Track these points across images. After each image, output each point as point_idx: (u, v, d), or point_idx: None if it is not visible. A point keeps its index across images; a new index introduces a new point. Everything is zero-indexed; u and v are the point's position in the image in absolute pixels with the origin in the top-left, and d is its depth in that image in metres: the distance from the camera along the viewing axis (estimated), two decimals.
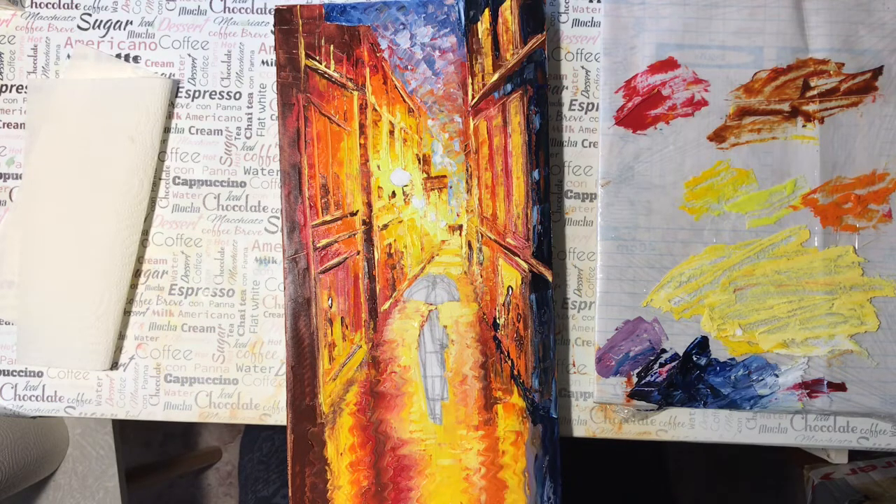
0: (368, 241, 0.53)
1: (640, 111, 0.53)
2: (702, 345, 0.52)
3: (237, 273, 0.55)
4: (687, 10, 0.53)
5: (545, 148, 0.52)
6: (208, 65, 0.55)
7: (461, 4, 0.53)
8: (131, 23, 0.56)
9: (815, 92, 0.52)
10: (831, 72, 0.52)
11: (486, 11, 0.52)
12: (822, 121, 0.52)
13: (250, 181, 0.55)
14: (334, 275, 0.52)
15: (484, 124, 0.53)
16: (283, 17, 0.53)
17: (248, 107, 0.55)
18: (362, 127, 0.53)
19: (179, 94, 0.55)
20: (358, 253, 0.53)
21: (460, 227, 0.53)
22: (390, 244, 0.53)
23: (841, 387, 0.51)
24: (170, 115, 0.55)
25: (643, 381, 0.52)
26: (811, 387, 0.51)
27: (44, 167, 0.54)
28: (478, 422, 0.51)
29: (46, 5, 0.56)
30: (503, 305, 0.52)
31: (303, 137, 0.52)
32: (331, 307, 0.52)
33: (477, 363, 0.52)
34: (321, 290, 0.52)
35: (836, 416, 0.53)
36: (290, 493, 0.51)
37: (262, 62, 0.55)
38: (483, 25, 0.53)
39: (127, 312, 0.55)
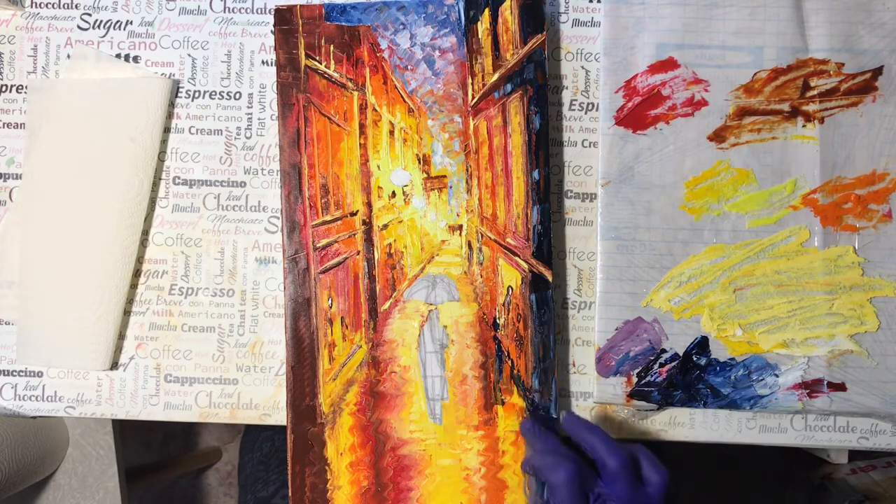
0: (368, 241, 0.53)
1: (640, 111, 0.53)
2: (702, 345, 0.52)
3: (237, 273, 0.55)
4: (687, 10, 0.53)
5: (545, 148, 0.52)
6: (208, 65, 0.55)
7: (461, 4, 0.53)
8: (131, 23, 0.56)
9: (815, 92, 0.52)
10: (831, 72, 0.52)
11: (486, 11, 0.52)
12: (822, 121, 0.52)
13: (250, 181, 0.55)
14: (334, 275, 0.52)
15: (484, 124, 0.53)
16: (283, 17, 0.53)
17: (248, 107, 0.55)
18: (362, 127, 0.53)
19: (179, 94, 0.55)
20: (358, 253, 0.53)
21: (460, 227, 0.53)
22: (390, 244, 0.53)
23: (841, 387, 0.51)
24: (170, 115, 0.55)
25: (643, 381, 0.52)
26: (811, 387, 0.51)
27: (44, 167, 0.54)
28: (478, 422, 0.51)
29: (46, 5, 0.56)
30: (503, 305, 0.52)
31: (303, 137, 0.52)
32: (331, 307, 0.52)
33: (477, 363, 0.52)
34: (321, 290, 0.52)
35: (836, 416, 0.53)
36: (290, 493, 0.51)
37: (262, 62, 0.55)
38: (483, 25, 0.53)
39: (127, 312, 0.55)
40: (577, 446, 0.47)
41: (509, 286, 0.52)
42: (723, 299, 0.52)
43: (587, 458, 0.46)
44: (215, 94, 0.55)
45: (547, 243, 0.51)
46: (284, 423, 0.52)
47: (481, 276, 0.52)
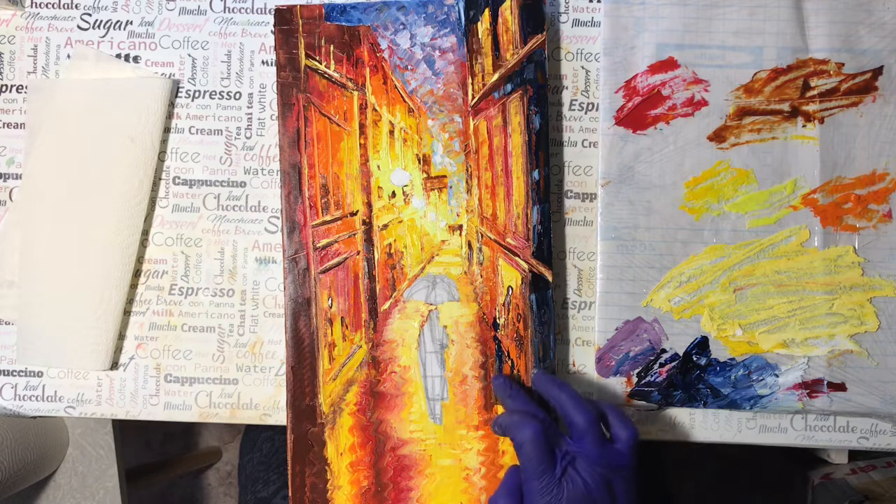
0: (368, 241, 0.53)
1: (640, 111, 0.53)
2: (702, 345, 0.52)
3: (237, 273, 0.55)
4: (687, 10, 0.53)
5: (545, 148, 0.52)
6: (208, 65, 0.55)
7: (461, 4, 0.53)
8: (131, 23, 0.56)
9: (815, 92, 0.52)
10: (831, 72, 0.52)
11: (486, 11, 0.52)
12: (822, 121, 0.52)
13: (250, 181, 0.55)
14: (334, 275, 0.52)
15: (484, 124, 0.53)
16: (283, 17, 0.53)
17: (248, 107, 0.55)
18: (362, 127, 0.53)
19: (179, 94, 0.55)
20: (358, 253, 0.53)
21: (460, 227, 0.53)
22: (390, 244, 0.53)
23: (841, 387, 0.51)
24: (170, 115, 0.55)
25: (643, 381, 0.52)
26: (811, 387, 0.51)
27: (44, 167, 0.54)
28: (478, 422, 0.51)
29: (46, 5, 0.56)
30: (503, 305, 0.52)
31: (303, 137, 0.52)
32: (331, 307, 0.52)
33: (477, 363, 0.52)
34: (321, 290, 0.52)
35: (836, 416, 0.53)
36: (290, 493, 0.51)
37: (262, 62, 0.55)
38: (483, 25, 0.53)
39: (127, 312, 0.55)
40: (548, 404, 0.48)
41: (509, 286, 0.52)
42: (723, 299, 0.52)
43: (557, 416, 0.46)
44: (215, 94, 0.55)
45: (547, 243, 0.51)
46: (284, 423, 0.52)
47: (481, 276, 0.52)
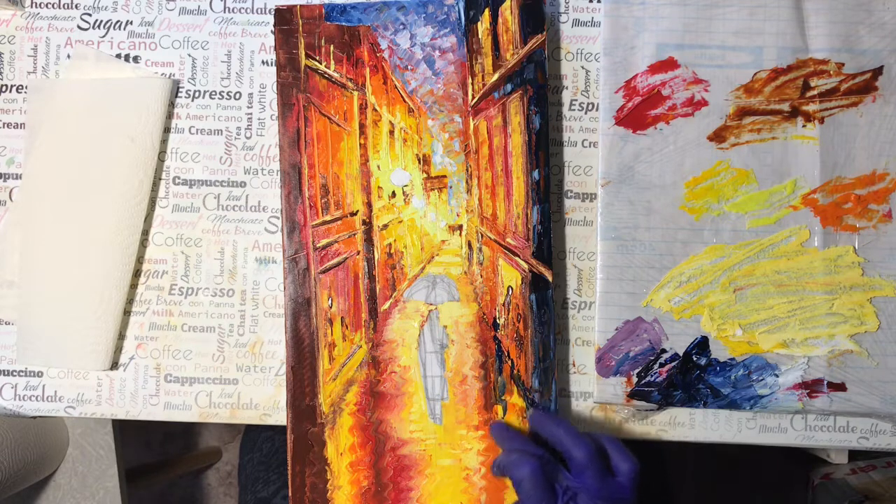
0: (368, 241, 0.53)
1: (640, 111, 0.53)
2: (702, 345, 0.52)
3: (237, 273, 0.55)
4: (687, 10, 0.53)
5: (545, 148, 0.52)
6: (208, 65, 0.55)
7: (461, 4, 0.53)
8: (131, 23, 0.56)
9: (815, 92, 0.52)
10: (831, 72, 0.52)
11: (486, 11, 0.52)
12: (822, 121, 0.52)
13: (250, 181, 0.55)
14: (334, 275, 0.52)
15: (484, 124, 0.53)
16: (283, 17, 0.53)
17: (248, 107, 0.55)
18: (362, 127, 0.53)
19: (179, 94, 0.55)
20: (358, 253, 0.53)
21: (460, 227, 0.53)
22: (390, 244, 0.53)
23: (841, 387, 0.51)
24: (170, 115, 0.55)
25: (643, 381, 0.52)
26: (811, 387, 0.51)
27: (44, 167, 0.54)
28: (478, 422, 0.51)
29: (46, 5, 0.56)
30: (503, 305, 0.52)
31: (303, 137, 0.52)
32: (331, 307, 0.52)
33: (477, 363, 0.52)
34: (321, 290, 0.52)
35: (836, 416, 0.53)
36: (290, 493, 0.51)
37: (262, 62, 0.55)
38: (483, 25, 0.53)
39: (127, 312, 0.55)
40: (546, 443, 0.47)
41: (509, 286, 0.52)
42: (723, 299, 0.52)
43: (557, 453, 0.46)
44: (215, 94, 0.55)
45: (547, 243, 0.51)
46: (284, 423, 0.52)
47: (481, 276, 0.52)
